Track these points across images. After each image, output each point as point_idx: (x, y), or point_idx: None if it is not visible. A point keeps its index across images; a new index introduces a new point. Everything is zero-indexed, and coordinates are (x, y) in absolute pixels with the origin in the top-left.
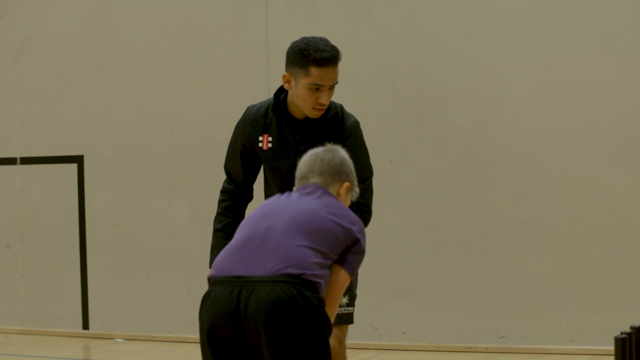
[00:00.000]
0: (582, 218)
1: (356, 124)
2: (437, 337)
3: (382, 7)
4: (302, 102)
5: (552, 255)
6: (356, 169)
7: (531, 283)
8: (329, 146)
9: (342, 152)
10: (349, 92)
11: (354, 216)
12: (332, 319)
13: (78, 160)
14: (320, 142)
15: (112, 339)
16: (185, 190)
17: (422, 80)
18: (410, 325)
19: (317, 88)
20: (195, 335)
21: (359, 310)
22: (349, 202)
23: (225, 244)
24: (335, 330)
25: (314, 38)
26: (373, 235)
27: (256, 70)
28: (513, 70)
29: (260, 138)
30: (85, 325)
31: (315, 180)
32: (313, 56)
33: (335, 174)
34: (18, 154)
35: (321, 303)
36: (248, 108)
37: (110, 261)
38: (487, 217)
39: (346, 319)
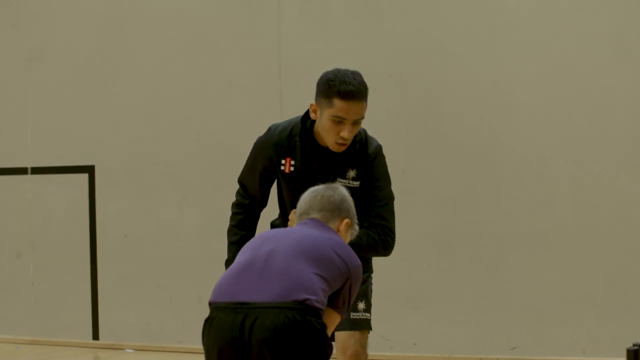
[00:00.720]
0: (594, 227)
1: (378, 149)
2: (449, 347)
3: (394, 15)
4: (325, 134)
5: (564, 264)
6: (377, 193)
7: (543, 293)
8: (330, 184)
9: (342, 190)
10: None
11: (355, 257)
12: None
13: (89, 170)
14: (343, 170)
15: (122, 349)
16: (197, 199)
17: (434, 88)
18: (422, 336)
19: (339, 121)
20: None
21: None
22: (349, 239)
23: None
24: (357, 335)
25: (345, 70)
26: None
27: (268, 78)
28: (525, 79)
29: (283, 161)
30: (96, 336)
31: (315, 215)
32: (337, 88)
33: (335, 210)
34: (29, 164)
35: (324, 328)
36: (270, 128)
37: (120, 271)
38: (498, 227)
39: (364, 324)
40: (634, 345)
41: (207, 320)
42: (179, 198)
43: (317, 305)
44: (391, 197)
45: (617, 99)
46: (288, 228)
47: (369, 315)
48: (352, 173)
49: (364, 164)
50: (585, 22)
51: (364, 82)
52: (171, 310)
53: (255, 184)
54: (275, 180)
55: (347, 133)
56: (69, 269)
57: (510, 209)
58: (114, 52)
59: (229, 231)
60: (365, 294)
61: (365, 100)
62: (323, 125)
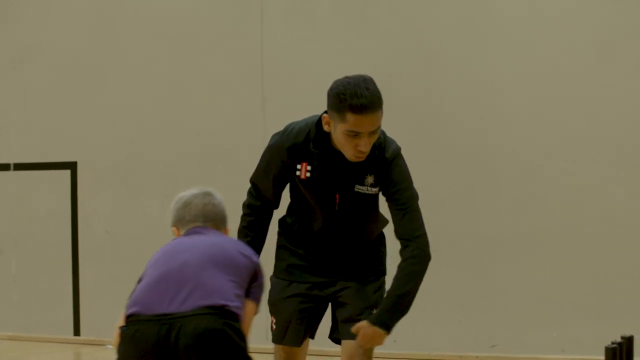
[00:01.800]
0: (579, 229)
1: (396, 152)
2: (429, 345)
3: (381, 15)
4: (341, 147)
5: (548, 265)
6: (399, 197)
7: (526, 293)
8: (206, 190)
9: (219, 198)
10: None
11: (253, 252)
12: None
13: (72, 166)
14: (361, 176)
15: (104, 345)
16: None
17: (422, 90)
18: (402, 333)
19: (354, 135)
20: None
21: None
22: None
23: None
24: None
25: (356, 79)
26: None
27: (251, 78)
28: (514, 81)
29: (299, 166)
30: (77, 332)
31: (205, 224)
32: (349, 102)
33: (222, 220)
34: (12, 160)
35: (241, 331)
36: (287, 129)
37: (102, 268)
38: (483, 227)
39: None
40: (613, 343)
41: (126, 333)
42: (162, 196)
43: (235, 310)
44: (414, 199)
45: (607, 102)
46: (191, 237)
47: None
48: (370, 179)
49: (382, 169)
50: (574, 26)
51: (377, 90)
52: None
53: (268, 187)
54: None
55: (364, 146)
56: (51, 266)
57: (495, 210)
58: (100, 51)
59: (240, 232)
60: (379, 302)
61: (380, 109)
62: (338, 139)
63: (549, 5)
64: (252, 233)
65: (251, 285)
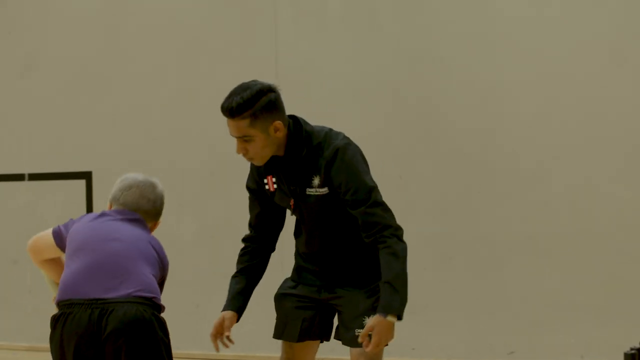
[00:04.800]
0: (590, 232)
1: (336, 149)
2: (446, 352)
3: (390, 21)
4: None
5: (561, 269)
6: (353, 196)
7: (540, 298)
8: (151, 181)
9: (159, 191)
10: (357, 107)
11: (164, 254)
12: None
13: (86, 176)
14: (308, 178)
15: None
16: (193, 206)
17: (430, 94)
18: (419, 341)
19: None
20: (202, 351)
21: None
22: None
23: (233, 303)
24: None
25: (241, 85)
26: None
27: None
28: (521, 84)
29: (265, 180)
30: None
31: (140, 214)
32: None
33: (155, 215)
34: (26, 170)
35: (165, 322)
36: None
37: None
38: (495, 232)
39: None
40: (632, 349)
41: (60, 317)
42: (175, 205)
43: (160, 302)
44: (370, 190)
45: (615, 105)
46: (120, 224)
47: None
48: (316, 180)
49: (324, 170)
50: (582, 29)
51: (246, 100)
52: (168, 316)
53: (251, 207)
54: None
55: (237, 149)
56: None
57: (508, 214)
58: (111, 59)
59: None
60: (374, 308)
61: (242, 119)
62: None
63: (556, 7)
64: (240, 267)
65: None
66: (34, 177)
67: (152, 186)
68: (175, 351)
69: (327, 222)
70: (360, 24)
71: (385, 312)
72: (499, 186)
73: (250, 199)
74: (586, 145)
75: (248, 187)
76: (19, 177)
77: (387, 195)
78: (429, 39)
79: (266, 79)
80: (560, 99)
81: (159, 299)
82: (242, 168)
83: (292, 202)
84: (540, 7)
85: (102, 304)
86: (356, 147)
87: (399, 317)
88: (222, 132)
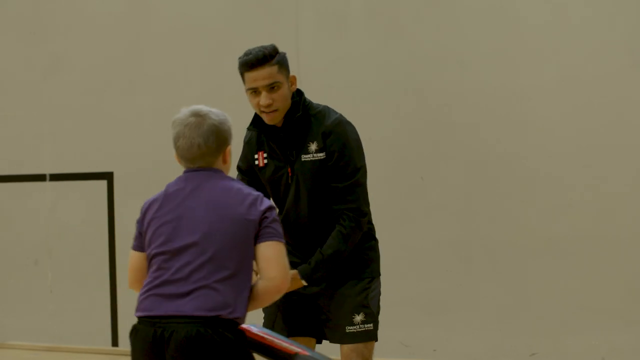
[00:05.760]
0: (613, 235)
1: (337, 120)
2: (468, 354)
3: (411, 23)
4: (255, 110)
5: (583, 272)
6: (340, 167)
7: (562, 300)
8: (198, 114)
9: (211, 119)
10: (379, 108)
11: (256, 198)
12: None
13: (108, 176)
14: (302, 144)
15: None
16: None
17: (451, 97)
18: (441, 342)
19: (254, 91)
20: None
21: (390, 328)
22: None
23: None
24: (359, 348)
25: (253, 47)
26: (404, 251)
27: None
28: (543, 88)
29: (256, 156)
30: (115, 342)
31: (200, 165)
32: (241, 61)
33: (216, 150)
34: (47, 171)
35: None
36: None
37: None
38: (517, 235)
39: (362, 337)
40: None
41: (132, 330)
42: None
43: (230, 316)
44: (357, 169)
45: (634, 108)
46: (190, 202)
47: (370, 325)
48: (313, 146)
49: (322, 136)
50: (602, 32)
51: (270, 49)
52: None
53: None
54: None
55: (263, 100)
56: (87, 276)
57: (529, 217)
58: (134, 60)
59: None
60: (364, 305)
61: (274, 65)
62: (250, 102)
63: (576, 13)
64: None
65: (260, 230)
66: (55, 177)
67: (200, 121)
68: None
69: (319, 193)
70: (381, 26)
71: (302, 275)
72: (521, 187)
73: (238, 179)
74: (608, 149)
75: (238, 167)
76: (40, 178)
77: (409, 196)
78: (450, 42)
79: None
80: (582, 103)
81: (229, 312)
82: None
83: (289, 169)
84: (561, 13)
85: (164, 324)
86: (355, 128)
87: (307, 281)
88: (245, 131)
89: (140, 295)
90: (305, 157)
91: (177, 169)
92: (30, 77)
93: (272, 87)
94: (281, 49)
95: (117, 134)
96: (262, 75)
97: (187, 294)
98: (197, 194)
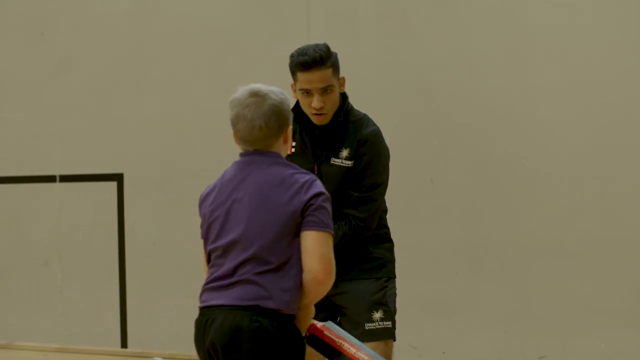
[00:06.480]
0: (622, 237)
1: (374, 133)
2: (477, 356)
3: (420, 25)
4: (303, 109)
5: (592, 274)
6: (361, 178)
7: (570, 302)
8: (257, 93)
9: (272, 99)
10: (389, 110)
11: (307, 181)
12: None
13: (118, 178)
14: (336, 149)
15: (151, 357)
16: None
17: (462, 99)
18: (450, 344)
19: (307, 92)
20: None
21: (398, 330)
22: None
23: None
24: (381, 347)
25: (310, 44)
26: (412, 253)
27: None
28: (551, 90)
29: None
30: (124, 344)
31: (260, 146)
32: (296, 61)
33: (276, 132)
34: (57, 172)
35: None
36: None
37: (149, 279)
38: (525, 237)
39: (382, 334)
40: None
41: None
42: None
43: (275, 306)
44: (375, 186)
45: None
46: (242, 189)
47: (389, 323)
48: (345, 152)
49: (357, 144)
50: (608, 34)
51: (325, 51)
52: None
53: None
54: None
55: (316, 102)
56: (97, 277)
57: (538, 219)
58: (143, 61)
59: None
60: (382, 302)
61: (328, 68)
62: (299, 101)
63: (588, 14)
64: None
65: (303, 219)
66: (65, 178)
67: (260, 100)
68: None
69: (338, 199)
70: (391, 27)
71: None
72: (530, 190)
73: None
74: (616, 150)
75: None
76: (50, 179)
77: (419, 198)
78: (459, 44)
79: None
80: (591, 105)
81: (277, 301)
82: None
83: (315, 167)
84: (569, 15)
85: (209, 313)
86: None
87: None
88: None
89: (201, 288)
90: (334, 161)
91: (186, 171)
92: (39, 78)
93: (325, 90)
94: (291, 50)
95: (126, 135)
96: (317, 77)
97: (230, 286)
98: (245, 186)
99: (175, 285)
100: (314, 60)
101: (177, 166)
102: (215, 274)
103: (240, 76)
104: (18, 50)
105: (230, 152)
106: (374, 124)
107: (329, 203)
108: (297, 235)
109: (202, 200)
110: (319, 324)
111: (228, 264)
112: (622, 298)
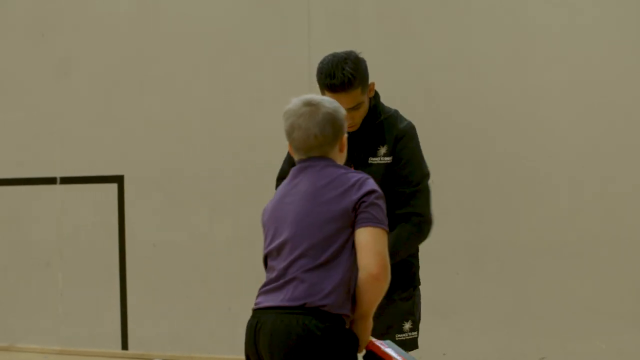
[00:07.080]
0: (622, 238)
1: (409, 126)
2: (477, 357)
3: (421, 26)
4: None
5: (593, 275)
6: (406, 174)
7: (571, 303)
8: (311, 104)
9: (324, 109)
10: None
11: (361, 180)
12: None
13: (118, 180)
14: (374, 148)
15: (152, 359)
16: (226, 210)
17: (463, 100)
18: (451, 345)
19: None
20: (235, 355)
21: None
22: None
23: None
24: None
25: (336, 59)
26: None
27: (298, 89)
28: (553, 90)
29: None
30: (125, 345)
31: (315, 154)
32: (324, 82)
33: (332, 140)
34: (58, 174)
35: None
36: None
37: (149, 281)
38: (527, 238)
39: (410, 344)
40: None
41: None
42: (208, 209)
43: (328, 309)
44: (422, 177)
45: None
46: (295, 197)
47: (415, 333)
48: (383, 150)
49: (394, 142)
50: (609, 34)
51: (354, 69)
52: (200, 320)
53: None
54: None
55: (348, 120)
56: (97, 279)
57: (539, 219)
58: (144, 63)
59: None
60: (411, 312)
61: (356, 88)
62: None
63: (588, 15)
64: None
65: (356, 216)
66: (66, 180)
67: (314, 111)
68: (206, 355)
69: (386, 196)
70: (392, 28)
71: None
72: (531, 191)
73: (287, 164)
74: (617, 151)
75: (284, 172)
76: (50, 181)
77: None
78: (460, 44)
79: (299, 81)
80: (592, 106)
81: (329, 304)
82: (276, 172)
83: (352, 167)
84: (570, 16)
85: (259, 315)
86: None
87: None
88: (255, 134)
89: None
90: (372, 160)
91: (187, 172)
92: (40, 79)
93: (353, 108)
94: (292, 51)
95: (127, 137)
96: (346, 100)
97: (281, 287)
98: (298, 189)
99: (176, 286)
100: (342, 84)
101: (177, 167)
102: (269, 277)
103: (240, 76)
104: (19, 51)
105: (230, 153)
106: (405, 118)
107: (382, 201)
108: (348, 233)
109: (263, 212)
110: (378, 342)
111: (279, 265)
112: (622, 298)
